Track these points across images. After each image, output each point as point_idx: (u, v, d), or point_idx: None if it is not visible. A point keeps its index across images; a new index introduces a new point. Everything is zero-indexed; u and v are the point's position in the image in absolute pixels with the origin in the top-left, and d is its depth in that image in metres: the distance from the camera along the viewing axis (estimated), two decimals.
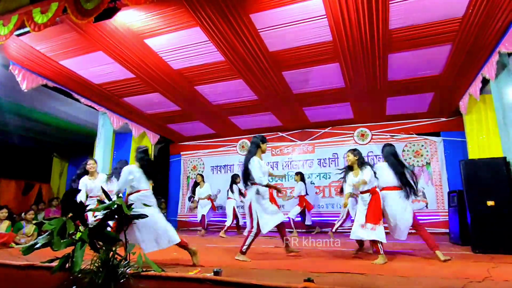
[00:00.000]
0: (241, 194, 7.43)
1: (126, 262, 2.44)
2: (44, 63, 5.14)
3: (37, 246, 2.33)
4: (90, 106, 6.71)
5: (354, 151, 4.17)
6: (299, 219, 7.51)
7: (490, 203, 4.36)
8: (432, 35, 4.34)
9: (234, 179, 7.63)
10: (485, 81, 5.13)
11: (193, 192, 7.83)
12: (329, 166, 8.12)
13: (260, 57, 4.95)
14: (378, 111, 7.29)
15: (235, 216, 7.51)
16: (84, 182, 4.89)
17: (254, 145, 4.19)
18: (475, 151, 6.06)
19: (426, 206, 7.24)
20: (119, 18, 4.04)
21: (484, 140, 5.96)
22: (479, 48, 4.55)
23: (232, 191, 7.52)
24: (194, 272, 2.83)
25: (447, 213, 6.31)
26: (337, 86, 5.97)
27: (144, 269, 2.47)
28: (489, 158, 4.87)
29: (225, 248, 5.21)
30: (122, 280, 2.31)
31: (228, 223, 7.34)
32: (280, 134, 8.71)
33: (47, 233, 2.37)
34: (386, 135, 7.83)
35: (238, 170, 8.79)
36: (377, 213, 3.84)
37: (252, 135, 8.70)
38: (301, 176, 7.47)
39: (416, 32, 4.31)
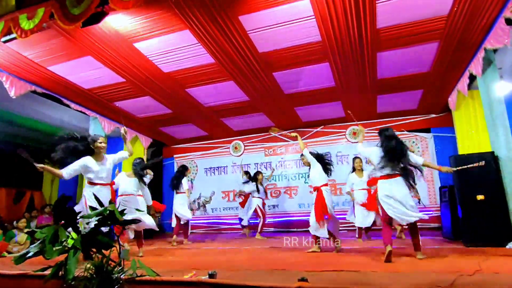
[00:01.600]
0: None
1: (120, 268, 2.43)
2: (32, 69, 5.08)
3: (29, 255, 2.31)
4: (80, 111, 6.65)
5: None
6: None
7: (480, 197, 4.44)
8: (419, 33, 4.39)
9: (257, 177, 7.27)
10: (473, 77, 5.22)
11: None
12: None
13: (250, 58, 4.96)
14: (369, 109, 7.36)
15: (264, 215, 7.10)
16: (85, 163, 4.06)
17: None
18: (464, 147, 6.15)
19: (419, 202, 7.31)
20: (107, 22, 4.01)
21: (473, 135, 6.05)
22: (465, 45, 4.62)
23: (258, 190, 7.16)
24: (189, 276, 2.83)
25: (439, 208, 6.40)
26: (327, 85, 6.01)
27: (139, 274, 2.47)
28: (478, 153, 4.95)
29: (219, 250, 5.21)
30: (117, 286, 2.31)
31: (261, 222, 6.98)
32: (273, 134, 8.73)
33: (39, 242, 2.35)
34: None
35: (231, 172, 8.80)
36: None
37: (245, 136, 8.85)
38: (248, 176, 7.58)
39: (403, 31, 4.36)
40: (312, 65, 5.23)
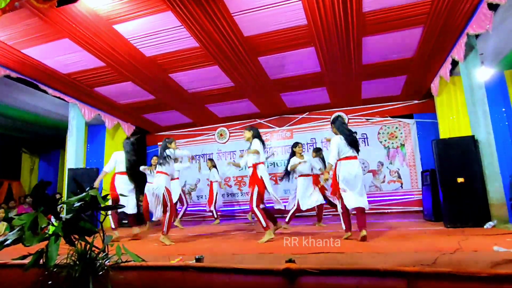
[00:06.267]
0: None
1: (104, 254, 2.37)
2: (5, 52, 4.82)
3: (7, 243, 2.21)
4: (59, 98, 6.40)
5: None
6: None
7: (460, 180, 4.57)
8: (405, 17, 4.40)
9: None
10: (455, 63, 5.30)
11: None
12: (308, 151, 8.20)
13: (235, 42, 4.86)
14: (354, 95, 7.40)
15: None
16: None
17: None
18: (446, 132, 6.30)
19: (401, 186, 7.50)
20: (84, 2, 3.84)
21: (454, 120, 6.19)
22: (448, 30, 4.67)
23: None
24: (176, 261, 2.80)
25: (420, 192, 6.57)
26: (313, 70, 5.99)
27: (124, 260, 2.42)
28: (459, 137, 5.07)
29: (205, 236, 5.20)
30: (101, 273, 2.25)
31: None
32: (258, 120, 8.69)
33: (17, 229, 2.25)
34: (362, 119, 7.99)
35: (217, 159, 8.73)
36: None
37: (230, 123, 8.77)
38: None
39: (388, 15, 4.35)
40: (298, 49, 5.18)
